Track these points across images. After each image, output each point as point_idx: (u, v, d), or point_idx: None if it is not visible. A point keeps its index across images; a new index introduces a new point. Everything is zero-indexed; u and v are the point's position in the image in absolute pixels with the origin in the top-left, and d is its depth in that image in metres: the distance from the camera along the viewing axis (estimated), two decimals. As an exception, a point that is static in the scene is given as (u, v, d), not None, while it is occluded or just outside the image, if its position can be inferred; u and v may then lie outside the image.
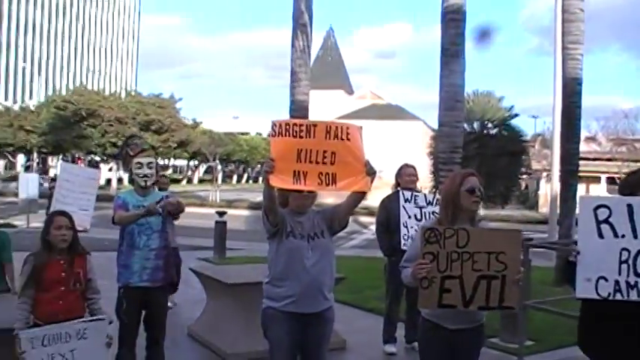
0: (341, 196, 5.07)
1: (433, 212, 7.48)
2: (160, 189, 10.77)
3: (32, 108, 65.75)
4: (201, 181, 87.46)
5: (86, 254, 5.13)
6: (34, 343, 4.54)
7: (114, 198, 6.27)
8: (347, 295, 10.74)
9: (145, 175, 6.02)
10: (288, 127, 4.79)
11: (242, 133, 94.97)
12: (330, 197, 13.71)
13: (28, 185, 24.23)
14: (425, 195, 7.95)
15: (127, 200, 6.00)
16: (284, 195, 5.01)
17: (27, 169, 67.74)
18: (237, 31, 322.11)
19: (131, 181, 6.16)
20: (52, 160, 79.04)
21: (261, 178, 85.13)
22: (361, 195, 4.92)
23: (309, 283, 4.83)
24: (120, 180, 60.54)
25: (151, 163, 6.07)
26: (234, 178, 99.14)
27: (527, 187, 55.34)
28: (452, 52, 12.49)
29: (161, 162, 72.21)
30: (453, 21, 12.52)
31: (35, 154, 67.55)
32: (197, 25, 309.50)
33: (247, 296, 7.59)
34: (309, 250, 4.87)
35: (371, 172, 4.72)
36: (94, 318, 4.85)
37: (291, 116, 14.22)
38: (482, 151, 22.83)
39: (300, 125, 4.79)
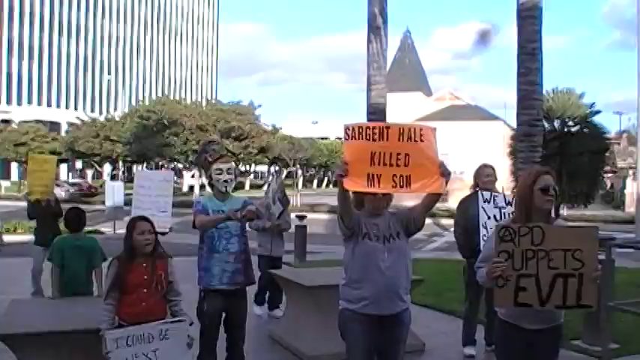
0: (418, 197, 5.06)
1: (512, 213, 7.37)
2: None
3: (117, 118, 67.40)
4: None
5: (167, 257, 5.26)
6: (118, 343, 4.69)
7: (194, 202, 6.40)
8: (427, 297, 10.69)
9: (225, 181, 6.12)
10: (361, 130, 4.80)
11: (322, 138, 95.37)
12: (409, 200, 13.63)
13: (114, 193, 24.92)
14: (504, 195, 7.83)
15: (207, 205, 6.12)
16: (359, 197, 5.04)
17: (113, 177, 69.56)
18: (317, 36, 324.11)
19: (211, 186, 6.27)
20: (136, 169, 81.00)
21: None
22: (436, 196, 4.90)
23: (385, 284, 4.83)
24: (202, 186, 61.52)
25: (230, 168, 6.18)
26: (315, 182, 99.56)
27: (612, 185, 53.86)
28: (528, 50, 12.33)
29: (242, 168, 73.24)
30: (529, 18, 12.36)
31: (120, 163, 69.28)
32: (276, 32, 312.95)
33: (326, 299, 7.62)
34: (385, 252, 4.87)
35: (445, 174, 4.70)
36: (176, 319, 4.96)
37: (369, 120, 14.25)
38: (563, 150, 22.30)
39: (373, 128, 4.79)
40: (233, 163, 6.30)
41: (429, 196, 4.94)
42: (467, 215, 7.79)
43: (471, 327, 7.97)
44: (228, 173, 6.13)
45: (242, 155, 58.46)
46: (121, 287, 5.01)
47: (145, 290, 5.02)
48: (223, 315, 6.12)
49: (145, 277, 5.02)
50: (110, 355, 4.68)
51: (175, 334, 4.83)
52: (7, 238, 19.22)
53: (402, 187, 4.71)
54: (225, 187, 6.13)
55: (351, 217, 4.90)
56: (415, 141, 4.71)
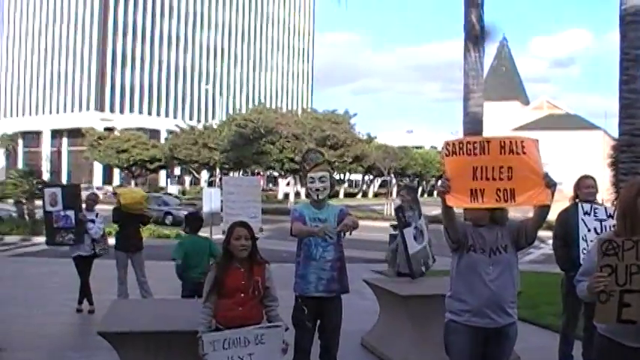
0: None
1: (614, 225, 7.15)
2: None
3: (215, 127, 68.69)
4: (376, 195, 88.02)
5: (265, 263, 5.31)
6: (215, 346, 4.79)
7: (291, 210, 6.48)
8: (523, 310, 10.43)
9: (317, 189, 6.17)
10: (461, 145, 4.77)
11: (416, 147, 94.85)
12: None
13: (211, 199, 25.38)
14: (605, 207, 7.61)
15: (304, 213, 6.18)
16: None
17: (210, 184, 70.93)
18: (412, 45, 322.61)
19: (307, 194, 6.33)
20: (232, 176, 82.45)
21: (436, 193, 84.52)
22: (546, 208, 4.76)
23: (490, 297, 4.79)
24: (297, 194, 62.09)
25: (323, 177, 6.22)
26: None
27: None
28: (632, 57, 11.96)
29: (337, 176, 73.49)
30: (632, 23, 11.98)
31: (217, 170, 70.59)
32: (371, 42, 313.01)
33: (421, 309, 7.60)
34: (490, 265, 4.83)
35: (551, 185, 4.60)
36: (272, 324, 5.02)
37: (465, 129, 14.11)
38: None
39: (474, 143, 4.75)
40: (327, 172, 6.33)
41: (538, 209, 4.83)
42: (566, 227, 7.59)
43: (568, 342, 7.77)
44: (321, 182, 6.17)
45: (337, 164, 58.69)
46: (219, 291, 5.11)
47: (242, 295, 5.10)
48: (318, 322, 6.17)
49: (243, 281, 5.10)
50: (207, 357, 4.78)
51: (271, 339, 4.89)
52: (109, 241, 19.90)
53: (506, 200, 4.65)
54: (317, 195, 6.18)
55: (456, 231, 4.88)
56: (517, 153, 4.64)
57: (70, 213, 10.75)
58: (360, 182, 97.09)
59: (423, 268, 8.22)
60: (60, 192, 10.97)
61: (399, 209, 8.23)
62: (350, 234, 6.09)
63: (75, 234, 10.77)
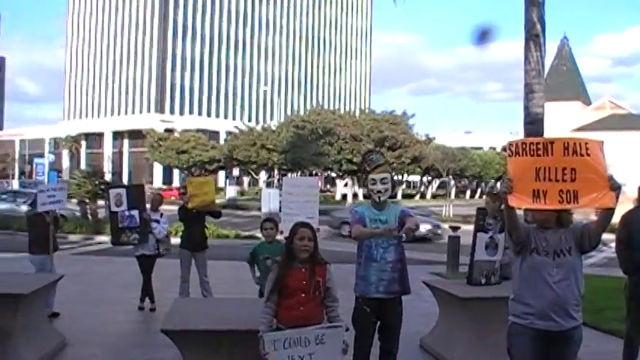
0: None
1: (678, 228, 7.01)
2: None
3: (273, 128, 69.07)
4: (434, 196, 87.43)
5: (326, 264, 5.30)
6: (276, 345, 4.83)
7: (350, 211, 6.50)
8: (585, 315, 10.19)
9: (379, 191, 6.19)
10: (524, 146, 4.76)
11: (475, 148, 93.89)
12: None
13: (270, 200, 25.61)
14: (671, 210, 7.45)
15: (364, 214, 6.20)
16: (531, 210, 4.99)
17: (268, 185, 71.43)
18: (470, 45, 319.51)
19: (368, 196, 6.35)
20: (291, 177, 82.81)
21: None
22: (610, 211, 4.70)
23: (553, 300, 4.75)
24: (355, 195, 62.07)
25: (384, 178, 6.23)
26: (468, 193, 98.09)
27: None
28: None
29: (395, 178, 73.29)
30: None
31: (276, 171, 70.98)
32: (430, 42, 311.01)
33: (480, 311, 7.55)
34: (554, 267, 4.79)
35: (615, 187, 4.56)
36: (332, 325, 5.02)
37: (526, 130, 13.91)
38: None
39: (537, 143, 4.74)
40: (388, 173, 6.34)
41: (602, 212, 4.77)
42: (630, 230, 7.46)
43: (633, 348, 7.61)
44: (382, 183, 6.19)
45: (395, 165, 58.48)
46: (281, 291, 5.15)
47: (303, 295, 5.12)
48: (378, 323, 6.18)
49: (304, 281, 5.12)
50: (268, 356, 4.82)
51: (331, 339, 4.89)
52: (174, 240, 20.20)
53: (569, 202, 4.62)
54: (379, 197, 6.20)
55: (519, 233, 4.86)
56: (581, 155, 4.60)
57: (135, 213, 10.91)
58: (418, 183, 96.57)
59: (483, 280, 8.11)
60: (124, 192, 11.14)
61: (482, 211, 8.14)
62: (413, 236, 6.07)
63: (139, 233, 10.94)
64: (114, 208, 11.03)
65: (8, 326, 7.13)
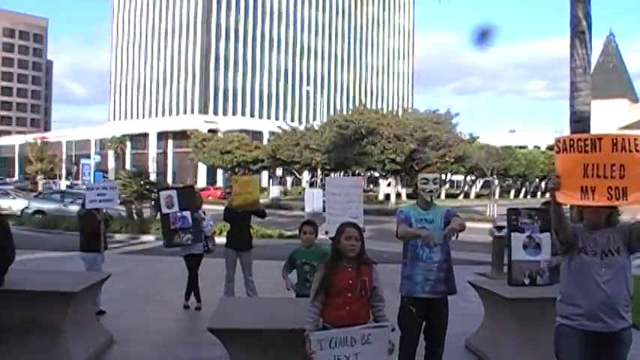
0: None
1: None
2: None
3: (316, 128, 69.12)
4: (478, 195, 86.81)
5: (372, 264, 5.29)
6: (322, 345, 4.83)
7: (396, 212, 6.46)
8: (634, 316, 10.13)
9: (430, 191, 6.16)
10: (572, 142, 4.72)
11: (519, 147, 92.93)
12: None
13: (314, 199, 25.66)
14: None
15: (410, 214, 6.17)
16: (580, 210, 4.92)
17: (311, 185, 71.54)
18: (515, 42, 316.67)
19: (410, 195, 6.33)
20: (334, 177, 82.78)
21: (539, 193, 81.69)
22: None
23: (602, 300, 4.68)
24: (398, 195, 61.85)
25: (436, 178, 6.21)
26: (512, 192, 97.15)
27: None
28: None
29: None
30: None
31: (319, 171, 71.05)
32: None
33: (527, 312, 7.47)
34: (602, 268, 4.73)
35: None
36: (378, 324, 5.01)
37: (572, 128, 13.73)
38: None
39: (585, 140, 4.69)
40: (438, 173, 6.31)
41: None
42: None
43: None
44: (434, 183, 6.18)
45: (439, 164, 58.07)
46: (327, 290, 5.15)
47: (349, 294, 5.12)
48: (424, 323, 6.15)
49: (350, 281, 5.12)
50: (314, 355, 4.84)
51: (377, 339, 4.88)
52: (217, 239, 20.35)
53: (617, 198, 4.56)
54: (430, 196, 6.18)
55: (566, 232, 4.80)
56: (630, 151, 4.53)
57: (187, 214, 10.99)
58: (462, 183, 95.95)
59: (526, 280, 8.01)
60: (175, 194, 11.21)
61: (514, 211, 8.05)
62: (456, 237, 6.02)
63: (192, 234, 11.04)
64: (165, 210, 11.11)
65: (59, 323, 7.27)
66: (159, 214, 12.17)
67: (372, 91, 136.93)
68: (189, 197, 11.43)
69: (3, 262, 7.23)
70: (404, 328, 6.09)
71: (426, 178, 6.18)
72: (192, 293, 11.27)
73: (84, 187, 48.59)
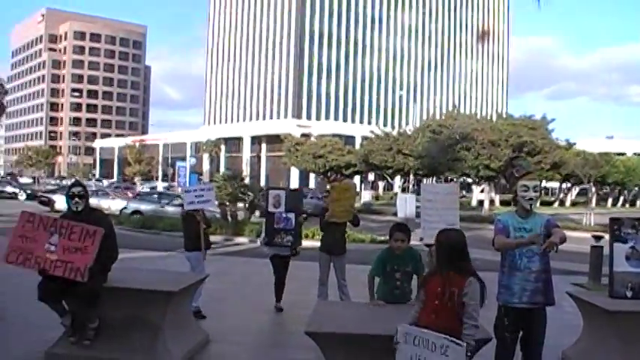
0: None
1: None
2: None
3: (409, 133, 68.80)
4: (573, 204, 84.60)
5: (468, 276, 5.18)
6: (407, 338, 4.87)
7: (490, 219, 6.41)
8: None
9: (530, 199, 6.09)
10: None
11: (618, 154, 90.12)
12: None
13: (406, 205, 25.49)
14: None
15: (508, 223, 6.10)
16: None
17: (403, 190, 71.23)
18: (611, 45, 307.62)
19: (503, 202, 6.26)
20: (426, 182, 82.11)
21: (638, 202, 78.95)
22: None
23: None
24: (492, 201, 60.91)
25: (536, 186, 6.14)
26: (609, 201, 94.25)
27: None
28: None
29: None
30: None
31: (411, 176, 70.65)
32: (569, 44, 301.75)
33: (629, 326, 7.26)
34: None
35: None
36: (456, 340, 4.80)
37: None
38: None
39: None
40: (538, 181, 6.22)
41: None
42: None
43: None
44: (535, 191, 6.10)
45: (534, 171, 56.94)
46: (422, 294, 5.19)
47: (436, 302, 5.12)
48: (520, 333, 6.08)
49: (439, 288, 5.12)
50: (397, 346, 4.92)
51: (453, 354, 4.74)
52: (307, 243, 20.60)
53: None
54: (530, 204, 6.10)
55: None
56: None
57: (291, 216, 11.16)
58: (557, 190, 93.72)
59: (629, 293, 7.77)
60: (283, 195, 11.39)
61: (616, 221, 7.81)
62: (556, 251, 5.87)
63: (293, 236, 11.20)
64: (271, 209, 11.29)
65: (158, 321, 7.50)
66: (264, 212, 12.38)
67: (466, 95, 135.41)
68: (297, 200, 11.61)
69: (107, 260, 7.53)
70: (500, 337, 6.03)
71: (527, 186, 6.09)
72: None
73: (179, 188, 50.09)
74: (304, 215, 12.22)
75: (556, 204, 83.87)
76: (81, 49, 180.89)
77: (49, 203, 38.53)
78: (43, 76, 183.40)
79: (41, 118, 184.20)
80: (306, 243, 13.29)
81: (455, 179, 61.50)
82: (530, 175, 6.24)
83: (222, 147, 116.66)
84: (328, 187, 12.81)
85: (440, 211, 9.79)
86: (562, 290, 9.24)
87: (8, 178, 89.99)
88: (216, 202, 28.26)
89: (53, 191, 44.04)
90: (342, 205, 10.75)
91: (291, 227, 11.16)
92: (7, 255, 7.38)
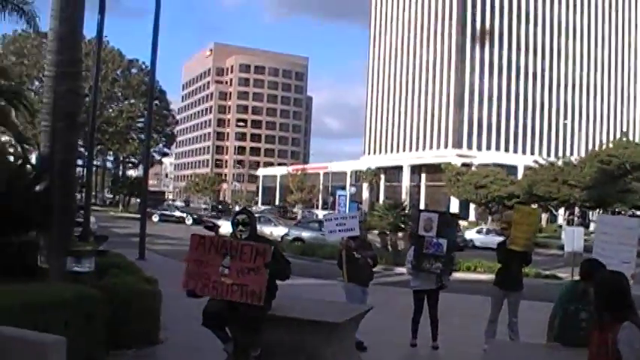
0: None
1: None
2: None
3: (574, 162, 66.49)
4: None
5: (623, 321, 4.53)
6: None
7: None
8: None
9: None
10: None
11: None
12: None
13: (574, 238, 24.42)
14: None
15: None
16: None
17: (569, 222, 68.61)
18: None
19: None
20: (592, 215, 78.61)
21: None
22: None
23: None
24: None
25: None
26: None
27: None
28: None
29: None
30: None
31: (577, 208, 67.97)
32: None
33: None
34: None
35: None
36: None
37: None
38: None
39: None
40: None
41: None
42: None
43: None
44: None
45: None
46: None
47: (594, 348, 4.69)
48: None
49: (596, 332, 4.71)
50: None
51: None
52: (467, 276, 20.08)
53: None
54: None
55: None
56: None
57: (443, 241, 10.65)
58: None
59: None
60: (436, 218, 10.89)
61: None
62: None
63: (444, 264, 10.71)
64: (421, 233, 10.83)
65: (322, 353, 7.41)
66: (413, 235, 11.97)
67: (635, 122, 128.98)
68: (450, 224, 11.17)
69: (273, 287, 7.48)
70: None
71: None
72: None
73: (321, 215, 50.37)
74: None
75: None
76: (246, 81, 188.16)
77: (214, 228, 39.87)
78: (211, 107, 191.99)
79: (208, 147, 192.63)
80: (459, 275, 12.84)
81: (624, 212, 58.71)
82: None
83: (382, 176, 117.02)
84: (511, 211, 12.27)
85: (615, 246, 9.23)
86: None
87: (184, 205, 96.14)
88: (377, 232, 28.32)
89: (218, 217, 45.61)
90: (524, 230, 10.23)
91: (441, 253, 10.66)
92: (186, 282, 7.34)
